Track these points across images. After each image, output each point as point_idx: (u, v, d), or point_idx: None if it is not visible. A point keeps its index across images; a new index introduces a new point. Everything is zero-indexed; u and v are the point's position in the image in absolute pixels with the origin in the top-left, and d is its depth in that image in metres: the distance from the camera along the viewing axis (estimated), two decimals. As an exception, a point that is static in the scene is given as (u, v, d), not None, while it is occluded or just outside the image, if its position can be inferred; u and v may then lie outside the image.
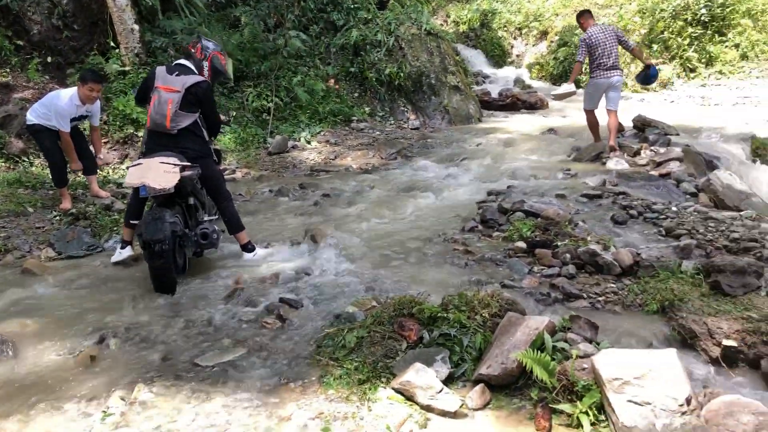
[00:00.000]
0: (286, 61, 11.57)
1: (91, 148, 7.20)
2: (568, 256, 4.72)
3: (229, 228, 5.23)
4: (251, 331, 3.80)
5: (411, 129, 11.76)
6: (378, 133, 11.25)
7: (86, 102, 6.55)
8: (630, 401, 2.54)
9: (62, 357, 3.65)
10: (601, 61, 8.52)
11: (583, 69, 10.35)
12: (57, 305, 4.46)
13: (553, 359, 2.95)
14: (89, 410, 3.02)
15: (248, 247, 5.26)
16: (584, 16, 8.86)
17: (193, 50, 5.11)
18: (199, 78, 4.89)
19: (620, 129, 9.88)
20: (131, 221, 5.03)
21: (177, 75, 4.83)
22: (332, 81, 12.29)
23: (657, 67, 9.91)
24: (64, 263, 5.49)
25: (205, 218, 5.25)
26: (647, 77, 9.31)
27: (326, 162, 9.70)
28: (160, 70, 4.92)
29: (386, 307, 3.69)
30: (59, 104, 6.43)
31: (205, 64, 5.09)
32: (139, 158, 4.81)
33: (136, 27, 10.18)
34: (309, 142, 10.46)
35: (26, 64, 9.69)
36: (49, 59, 10.06)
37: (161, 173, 4.43)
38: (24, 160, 8.16)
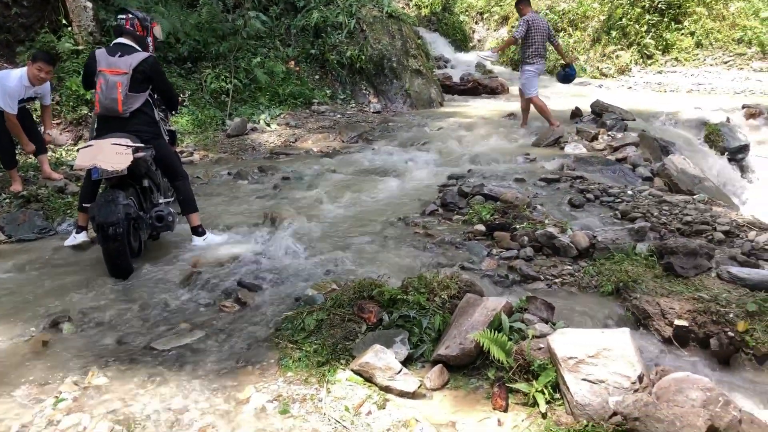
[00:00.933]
0: (245, 42, 11.39)
1: (42, 128, 6.99)
2: (526, 238, 4.77)
3: (182, 207, 5.10)
4: (209, 315, 3.76)
5: (372, 112, 11.72)
6: (339, 116, 11.18)
7: (35, 83, 6.31)
8: (584, 380, 2.58)
9: (13, 342, 3.55)
10: (539, 48, 9.10)
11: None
12: (7, 289, 4.34)
13: (510, 339, 2.98)
14: (41, 396, 2.94)
15: (198, 231, 5.11)
16: (524, 3, 9.33)
17: (131, 27, 4.87)
18: (144, 54, 4.74)
19: (578, 114, 10.09)
20: (84, 204, 4.89)
21: (120, 56, 4.65)
22: (292, 63, 12.15)
23: (575, 66, 10.48)
24: (14, 246, 5.34)
25: (161, 200, 5.13)
26: (566, 76, 9.91)
27: (286, 145, 9.61)
28: (101, 53, 4.72)
29: (346, 290, 3.69)
30: (8, 84, 6.16)
31: (149, 39, 4.96)
32: (90, 141, 4.67)
33: (90, 4, 9.88)
34: (269, 125, 10.34)
35: (-27, 41, 9.34)
36: (-2, 36, 9.71)
37: (113, 155, 4.32)
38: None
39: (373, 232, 5.28)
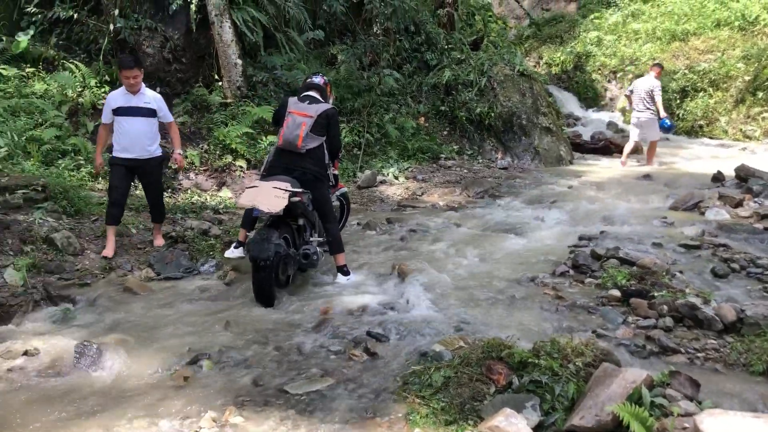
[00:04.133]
0: (378, 98, 11.81)
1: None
2: (665, 307, 4.53)
3: (330, 248, 5.67)
4: (339, 362, 3.84)
5: (499, 168, 11.69)
6: (465, 171, 11.25)
7: (129, 90, 6.01)
8: (737, 468, 2.39)
9: (158, 375, 3.80)
10: None
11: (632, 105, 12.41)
12: (154, 324, 4.67)
13: (651, 415, 2.81)
14: (183, 429, 3.12)
15: (344, 270, 5.63)
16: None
17: (324, 85, 5.72)
18: (328, 105, 5.53)
19: (720, 178, 9.60)
20: (243, 227, 5.73)
21: (309, 103, 5.41)
22: (422, 119, 12.43)
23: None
24: (161, 284, 5.74)
25: (312, 238, 5.68)
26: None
27: (413, 198, 9.77)
28: (292, 100, 5.52)
29: (474, 349, 3.65)
30: (108, 96, 6.21)
31: (331, 100, 5.82)
32: (260, 178, 5.42)
33: (239, 62, 10.68)
34: (397, 178, 10.58)
35: (138, 93, 10.32)
36: (158, 89, 10.67)
37: (272, 197, 4.89)
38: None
39: (500, 290, 5.22)
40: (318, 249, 5.49)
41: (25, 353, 4.00)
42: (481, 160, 12.08)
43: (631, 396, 2.91)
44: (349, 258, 6.25)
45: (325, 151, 5.54)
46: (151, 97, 6.18)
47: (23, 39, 9.57)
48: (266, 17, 11.06)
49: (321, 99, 5.57)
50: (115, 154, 6.16)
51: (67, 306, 5.11)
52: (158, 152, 6.34)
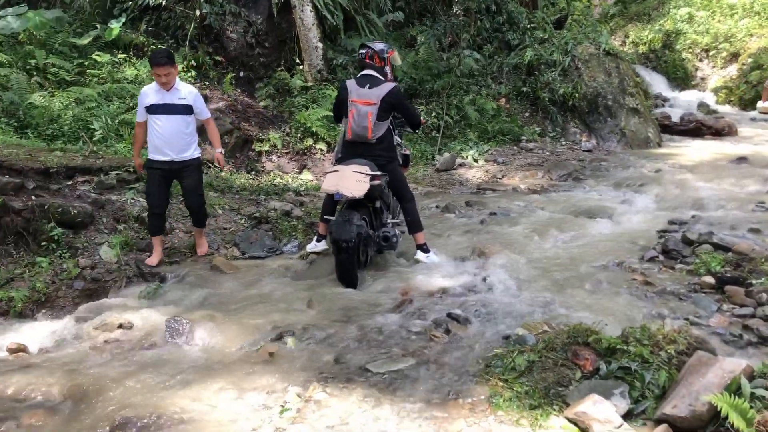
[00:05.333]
0: (458, 80, 11.66)
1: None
2: (764, 296, 4.28)
3: (409, 227, 5.61)
4: (420, 343, 3.84)
5: (583, 151, 11.34)
6: (548, 153, 10.97)
7: (161, 86, 5.47)
8: None
9: (244, 350, 3.91)
10: None
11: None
12: (240, 301, 4.82)
13: (752, 407, 2.66)
14: (268, 403, 3.19)
15: (424, 248, 5.57)
16: None
17: (370, 61, 5.43)
18: (390, 85, 5.29)
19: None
20: (326, 217, 5.54)
21: (369, 87, 5.22)
22: (503, 100, 12.20)
23: None
24: (247, 263, 5.91)
25: (389, 220, 5.69)
26: None
27: (493, 181, 9.62)
28: (351, 84, 5.32)
29: (559, 333, 3.56)
30: (141, 92, 5.69)
31: (387, 69, 5.46)
32: (334, 165, 5.34)
33: (320, 45, 10.80)
34: (476, 161, 10.44)
35: (222, 78, 10.63)
36: (241, 74, 10.97)
37: (353, 182, 4.92)
38: (215, 166, 8.88)
39: (585, 275, 5.07)
40: (397, 231, 5.51)
41: (120, 326, 4.21)
42: (564, 143, 11.76)
43: (729, 386, 2.77)
44: (428, 241, 6.23)
45: (393, 132, 5.49)
46: (186, 93, 5.60)
47: (115, 26, 10.01)
48: (346, 0, 11.11)
49: (380, 76, 5.35)
50: (150, 156, 5.65)
51: (158, 283, 5.34)
52: (197, 153, 5.76)
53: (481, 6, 12.40)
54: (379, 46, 5.53)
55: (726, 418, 2.59)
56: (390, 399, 3.14)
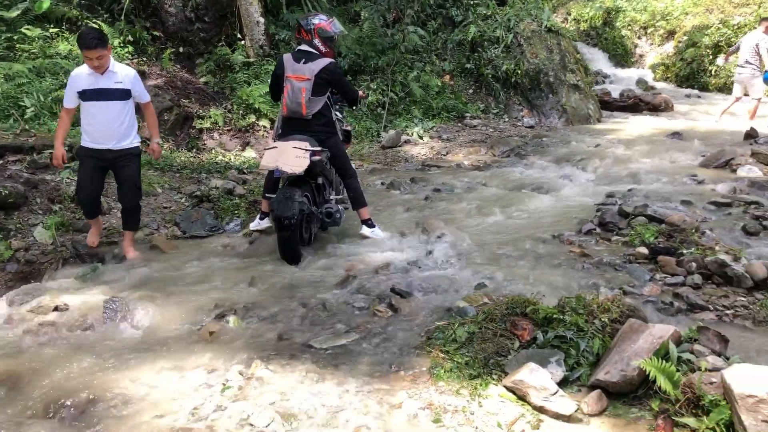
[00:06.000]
0: (403, 56, 11.65)
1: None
2: (694, 265, 4.46)
3: (353, 203, 5.60)
4: (363, 318, 3.86)
5: (525, 127, 11.53)
6: (491, 130, 11.11)
7: (93, 70, 4.92)
8: (765, 421, 2.35)
9: (186, 330, 3.86)
10: None
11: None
12: (181, 281, 4.73)
13: (678, 370, 2.78)
14: (210, 381, 3.16)
15: (369, 223, 5.58)
16: None
17: (299, 35, 5.32)
18: (326, 61, 5.17)
19: (753, 135, 9.36)
20: (267, 195, 5.49)
21: (304, 62, 5.13)
22: (447, 77, 12.25)
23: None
24: (188, 242, 5.81)
25: (332, 197, 5.68)
26: None
27: (437, 157, 9.69)
28: (287, 59, 5.22)
29: (498, 305, 3.63)
30: (71, 74, 5.14)
31: (316, 41, 5.24)
32: (275, 141, 5.25)
33: (262, 20, 10.59)
34: (421, 137, 10.49)
35: (160, 53, 10.34)
36: (180, 49, 10.67)
37: (293, 158, 4.86)
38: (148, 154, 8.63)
39: (525, 248, 5.17)
40: (340, 207, 5.51)
41: (56, 308, 4.08)
42: (507, 119, 11.92)
43: (658, 351, 2.88)
44: (373, 217, 6.24)
45: (331, 107, 5.39)
46: (123, 76, 5.05)
47: (46, -1, 9.56)
48: (288, -26, 10.91)
49: (316, 51, 5.21)
50: (83, 144, 5.17)
51: (96, 264, 5.20)
52: (136, 142, 5.27)
53: (425, -19, 12.38)
54: (314, 20, 5.28)
55: (654, 381, 2.70)
56: (332, 374, 3.16)
